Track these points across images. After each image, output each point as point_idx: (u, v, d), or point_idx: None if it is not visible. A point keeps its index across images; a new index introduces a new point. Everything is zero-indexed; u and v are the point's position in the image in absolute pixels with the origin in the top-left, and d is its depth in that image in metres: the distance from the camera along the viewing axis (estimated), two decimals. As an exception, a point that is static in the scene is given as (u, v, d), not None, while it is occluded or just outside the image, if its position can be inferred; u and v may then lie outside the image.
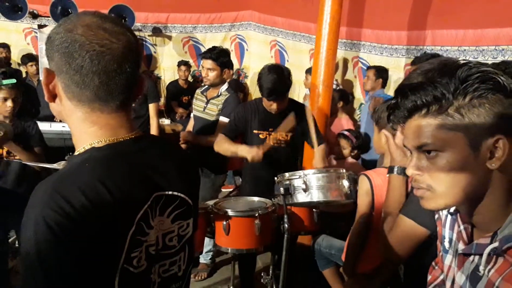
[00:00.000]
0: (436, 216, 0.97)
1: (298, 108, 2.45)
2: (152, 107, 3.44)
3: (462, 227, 0.83)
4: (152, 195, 0.78)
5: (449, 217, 0.90)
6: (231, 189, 4.44)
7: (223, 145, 2.37)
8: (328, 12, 3.01)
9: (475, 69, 0.69)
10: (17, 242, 2.49)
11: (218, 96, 2.80)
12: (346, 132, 3.07)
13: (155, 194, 0.79)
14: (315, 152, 2.30)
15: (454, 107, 0.70)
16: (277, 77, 2.23)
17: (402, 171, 1.36)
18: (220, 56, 2.70)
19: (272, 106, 2.31)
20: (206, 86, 2.88)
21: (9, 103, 2.15)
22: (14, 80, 2.19)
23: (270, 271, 2.27)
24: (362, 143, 3.07)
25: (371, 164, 3.37)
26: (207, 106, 2.84)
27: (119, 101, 0.77)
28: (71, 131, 0.81)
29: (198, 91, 2.99)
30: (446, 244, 0.90)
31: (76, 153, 0.78)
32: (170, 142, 0.98)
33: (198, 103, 2.93)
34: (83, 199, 0.67)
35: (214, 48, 2.79)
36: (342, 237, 2.26)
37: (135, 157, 0.78)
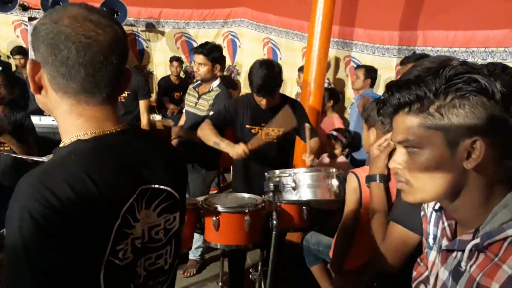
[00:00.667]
0: (422, 213, 0.99)
1: (291, 104, 2.46)
2: (142, 103, 3.40)
3: (446, 223, 0.85)
4: (138, 188, 0.78)
5: (434, 214, 0.91)
6: (215, 191, 4.43)
7: (205, 131, 2.34)
8: (321, 10, 3.03)
9: (461, 69, 0.70)
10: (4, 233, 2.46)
11: (209, 91, 2.79)
12: (335, 133, 3.08)
13: (141, 187, 0.79)
14: (307, 146, 2.31)
15: (435, 106, 0.71)
16: (267, 73, 2.22)
17: (383, 178, 1.38)
18: (211, 51, 2.70)
19: (261, 102, 2.31)
20: (199, 82, 2.88)
21: None
22: None
23: (259, 268, 2.27)
24: (352, 140, 3.09)
25: (362, 163, 3.40)
26: (198, 102, 2.83)
27: (105, 94, 0.77)
28: (57, 123, 0.80)
29: (190, 86, 3.00)
30: (431, 240, 0.91)
31: (61, 145, 0.78)
32: (158, 136, 0.98)
33: (190, 99, 2.92)
34: (69, 191, 0.67)
35: (206, 43, 2.79)
36: (331, 234, 2.27)
37: (121, 150, 0.78)
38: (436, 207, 0.90)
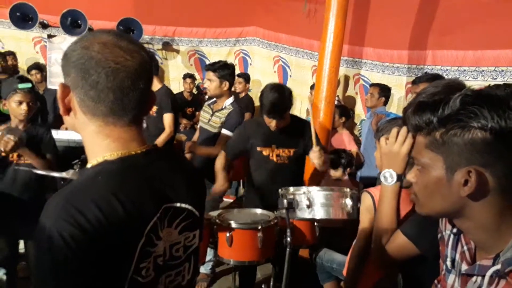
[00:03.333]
0: (439, 235, 0.99)
1: (301, 125, 2.50)
2: (165, 117, 3.28)
3: (465, 247, 0.86)
4: (161, 207, 0.80)
5: (452, 237, 0.92)
6: (231, 200, 4.51)
7: (218, 162, 2.51)
8: (332, 30, 3.09)
9: (468, 100, 0.73)
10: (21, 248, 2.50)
11: (222, 109, 2.86)
12: (331, 156, 3.02)
13: (164, 206, 0.81)
14: (313, 149, 2.29)
15: (439, 132, 0.76)
16: (278, 96, 2.28)
17: (399, 178, 1.27)
18: (220, 68, 2.81)
19: (271, 124, 2.36)
20: (214, 99, 2.95)
21: (23, 107, 2.18)
22: (30, 85, 2.22)
23: (271, 284, 2.28)
24: (351, 159, 3.06)
25: (368, 180, 3.40)
26: (211, 118, 2.91)
27: (131, 116, 0.80)
28: (84, 144, 0.83)
29: (206, 103, 3.07)
30: (449, 263, 0.91)
31: (88, 165, 0.80)
32: (178, 155, 1.02)
33: (204, 115, 3.00)
34: (97, 212, 0.68)
35: (218, 61, 2.90)
36: (338, 250, 2.28)
37: (145, 170, 0.80)
38: (454, 230, 0.91)
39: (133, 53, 0.78)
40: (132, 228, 0.73)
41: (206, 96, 5.28)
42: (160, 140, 3.30)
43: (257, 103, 5.69)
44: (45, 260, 0.66)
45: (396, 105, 3.92)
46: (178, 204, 0.85)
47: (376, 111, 3.59)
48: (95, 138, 0.80)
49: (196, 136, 3.14)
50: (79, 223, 0.67)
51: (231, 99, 2.89)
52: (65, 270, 0.66)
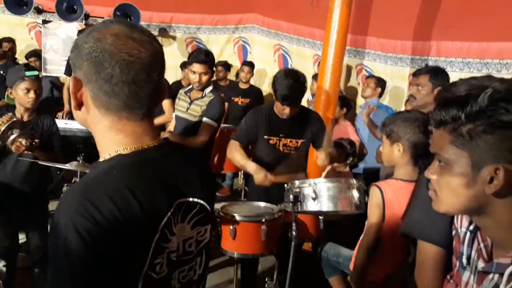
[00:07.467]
0: (453, 232, 0.99)
1: (310, 115, 2.47)
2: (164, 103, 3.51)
3: (482, 244, 0.86)
4: (175, 202, 0.79)
5: (468, 234, 0.92)
6: (226, 194, 4.52)
7: (234, 154, 2.37)
8: (337, 19, 3.04)
9: (498, 95, 0.71)
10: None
11: (202, 97, 2.74)
12: (339, 141, 3.05)
13: (178, 200, 0.80)
14: (321, 150, 2.28)
15: (466, 128, 0.75)
16: (293, 83, 2.22)
17: None
18: (213, 59, 2.76)
19: (284, 111, 2.30)
20: (190, 87, 2.85)
21: (31, 94, 2.13)
22: (36, 72, 2.17)
23: (275, 277, 2.28)
24: (355, 149, 3.04)
25: (372, 173, 3.39)
26: (190, 107, 2.78)
27: (145, 109, 0.78)
28: (96, 138, 0.81)
29: (181, 91, 2.93)
30: (464, 260, 0.92)
31: (101, 159, 0.79)
32: (189, 149, 0.99)
33: (181, 103, 2.86)
34: (112, 206, 0.68)
35: (202, 50, 2.80)
36: (338, 243, 2.28)
37: (159, 164, 0.79)
38: (471, 227, 0.91)
39: (146, 44, 0.76)
40: (147, 223, 0.72)
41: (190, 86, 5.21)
42: (157, 122, 3.34)
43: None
44: (60, 254, 0.66)
45: (390, 96, 3.91)
46: (191, 199, 0.84)
47: (369, 102, 3.56)
48: (108, 133, 0.78)
49: (172, 126, 3.01)
50: (94, 218, 0.66)
51: (210, 87, 2.78)
52: (80, 264, 0.65)
